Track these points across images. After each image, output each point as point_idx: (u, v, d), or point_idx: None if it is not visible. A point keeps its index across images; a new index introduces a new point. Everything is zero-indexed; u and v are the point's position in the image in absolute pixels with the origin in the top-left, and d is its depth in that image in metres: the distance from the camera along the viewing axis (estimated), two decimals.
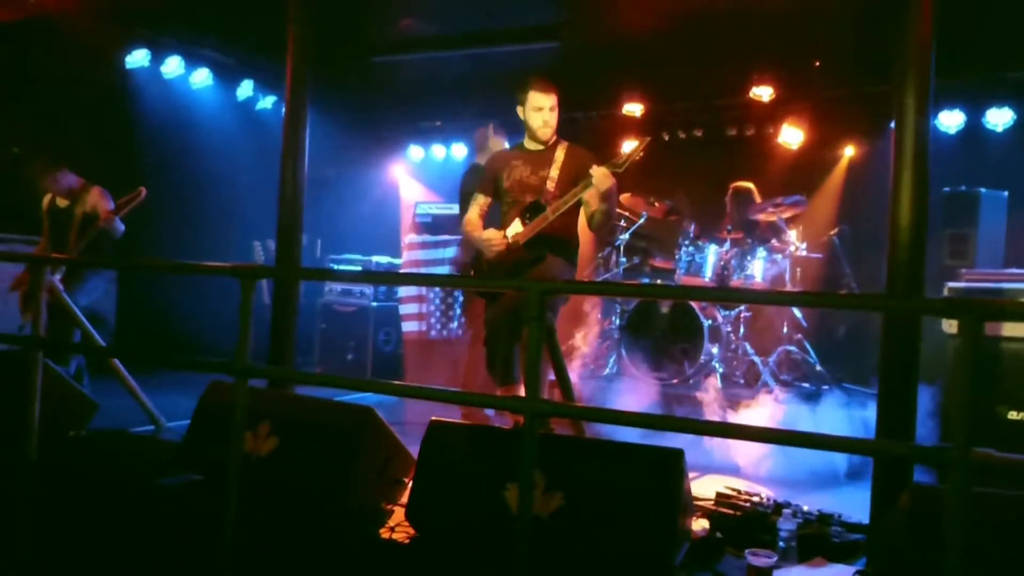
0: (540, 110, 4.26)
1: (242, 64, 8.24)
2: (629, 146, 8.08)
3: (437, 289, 6.35)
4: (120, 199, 5.68)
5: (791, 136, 7.63)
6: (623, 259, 6.73)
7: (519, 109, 4.34)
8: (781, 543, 2.80)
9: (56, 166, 5.79)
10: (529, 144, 4.42)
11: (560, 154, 4.31)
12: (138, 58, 7.35)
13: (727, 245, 6.29)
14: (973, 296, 4.15)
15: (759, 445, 4.37)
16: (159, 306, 7.43)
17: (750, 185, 6.99)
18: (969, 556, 1.84)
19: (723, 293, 5.58)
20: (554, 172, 4.27)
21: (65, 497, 3.63)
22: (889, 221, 3.07)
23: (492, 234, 4.29)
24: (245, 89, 8.31)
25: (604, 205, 4.15)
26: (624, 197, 6.82)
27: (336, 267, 7.97)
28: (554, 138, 4.37)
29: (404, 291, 6.59)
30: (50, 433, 3.73)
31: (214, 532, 2.79)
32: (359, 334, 7.45)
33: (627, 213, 6.76)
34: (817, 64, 7.19)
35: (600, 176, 3.97)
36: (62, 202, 5.85)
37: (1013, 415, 3.71)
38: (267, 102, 8.60)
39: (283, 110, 4.65)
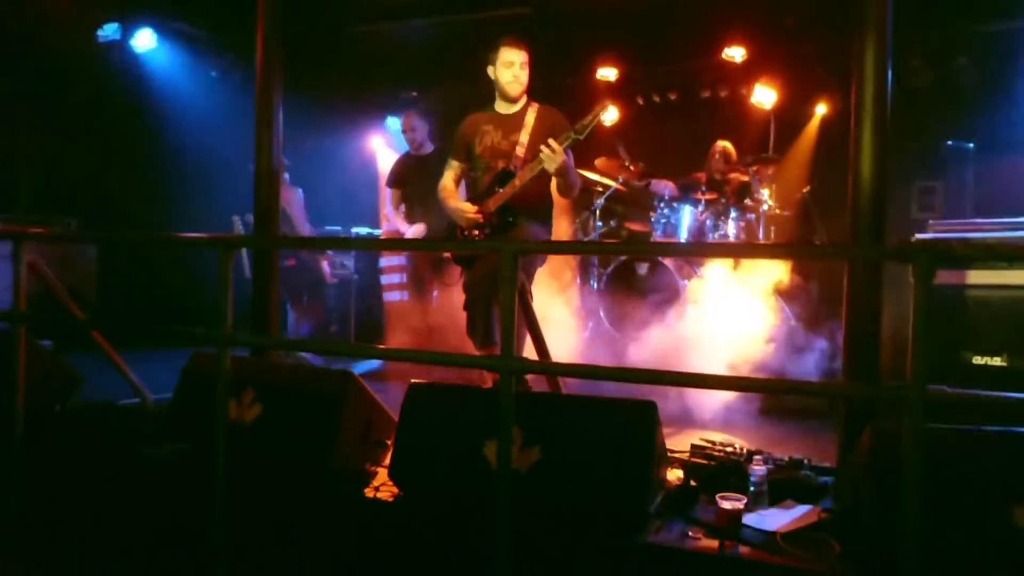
0: (511, 65, 4.28)
1: (215, 37, 8.17)
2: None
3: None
4: None
5: (764, 96, 7.67)
6: (599, 223, 6.79)
7: (489, 69, 4.36)
8: (752, 488, 2.90)
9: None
10: (500, 107, 4.45)
11: (531, 118, 4.34)
12: (109, 32, 7.31)
13: (701, 206, 6.35)
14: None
15: (737, 397, 4.47)
16: (141, 279, 7.44)
17: (730, 145, 7.09)
18: (926, 490, 1.93)
19: (691, 248, 5.64)
20: (524, 137, 4.30)
21: (53, 470, 3.69)
22: (851, 172, 3.14)
23: (465, 205, 4.34)
24: (218, 62, 8.24)
25: (562, 179, 4.20)
26: (599, 161, 6.87)
27: None
28: (524, 99, 4.40)
29: (385, 262, 6.62)
30: (36, 407, 3.77)
31: (203, 499, 2.86)
32: (342, 306, 7.49)
33: (602, 177, 6.80)
34: (790, 22, 7.22)
35: (547, 157, 4.01)
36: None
37: (978, 360, 3.81)
38: (241, 75, 8.54)
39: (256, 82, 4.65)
